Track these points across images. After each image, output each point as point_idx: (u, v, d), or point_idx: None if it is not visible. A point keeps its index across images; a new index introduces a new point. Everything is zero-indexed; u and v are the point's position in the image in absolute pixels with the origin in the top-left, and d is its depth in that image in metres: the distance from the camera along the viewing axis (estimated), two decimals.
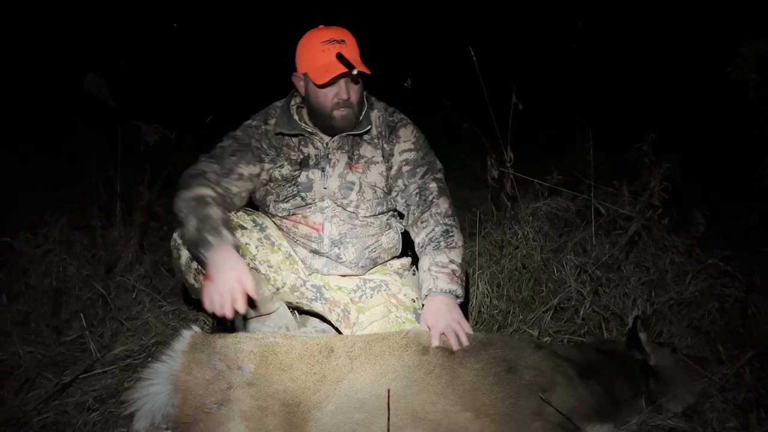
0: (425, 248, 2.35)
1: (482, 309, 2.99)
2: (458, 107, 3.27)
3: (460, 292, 2.24)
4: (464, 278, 2.32)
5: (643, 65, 7.90)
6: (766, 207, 2.89)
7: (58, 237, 3.04)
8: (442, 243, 2.32)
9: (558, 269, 3.00)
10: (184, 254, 2.46)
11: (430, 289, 2.22)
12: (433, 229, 2.36)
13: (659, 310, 2.71)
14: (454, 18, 10.37)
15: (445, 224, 2.37)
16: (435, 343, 1.99)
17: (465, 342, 1.98)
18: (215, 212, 2.22)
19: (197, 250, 2.14)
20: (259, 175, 2.47)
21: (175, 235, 2.51)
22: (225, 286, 1.97)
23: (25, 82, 7.09)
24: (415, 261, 2.57)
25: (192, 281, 2.51)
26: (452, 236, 2.35)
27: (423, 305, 2.23)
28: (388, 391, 1.70)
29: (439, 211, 2.40)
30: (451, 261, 2.28)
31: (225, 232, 2.16)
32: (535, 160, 3.66)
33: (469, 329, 2.06)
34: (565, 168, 3.44)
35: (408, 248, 2.70)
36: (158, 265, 3.43)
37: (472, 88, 3.21)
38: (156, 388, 1.86)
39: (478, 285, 3.06)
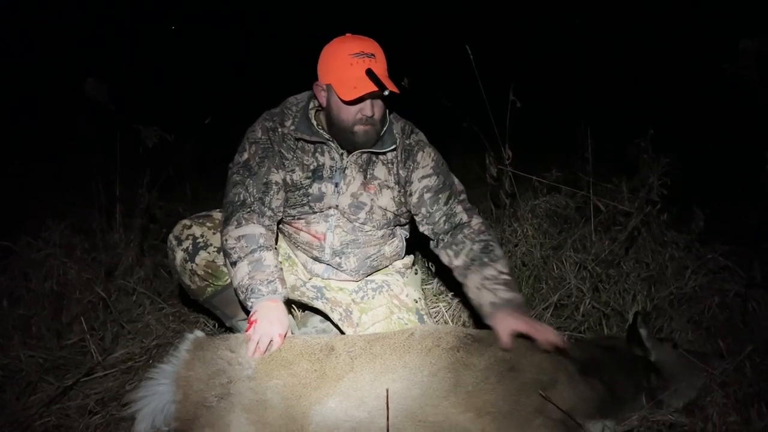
0: (470, 268, 2.25)
1: None
2: (456, 106, 3.26)
3: (521, 299, 2.14)
4: (518, 288, 2.22)
5: (642, 62, 7.90)
6: (765, 202, 2.89)
7: (58, 241, 3.04)
8: (485, 258, 2.24)
9: (558, 266, 3.00)
10: (179, 255, 2.47)
11: (493, 302, 2.11)
12: (471, 248, 2.29)
13: (659, 306, 2.70)
14: (451, 16, 10.36)
15: (482, 240, 2.30)
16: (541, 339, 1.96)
17: (558, 340, 1.97)
18: (268, 258, 2.19)
19: (247, 296, 2.13)
20: (284, 179, 2.41)
21: (171, 237, 2.51)
22: (265, 339, 1.98)
23: (24, 87, 7.10)
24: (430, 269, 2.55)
25: (188, 282, 2.51)
26: (492, 250, 2.27)
27: (491, 323, 2.08)
28: (387, 391, 1.71)
29: (472, 230, 2.34)
30: (501, 272, 2.19)
31: (278, 284, 2.15)
32: (533, 158, 3.66)
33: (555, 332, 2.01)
34: (563, 165, 3.43)
35: (412, 249, 2.71)
36: (158, 268, 3.43)
37: (470, 87, 3.21)
38: (161, 388, 1.90)
39: None
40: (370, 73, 2.15)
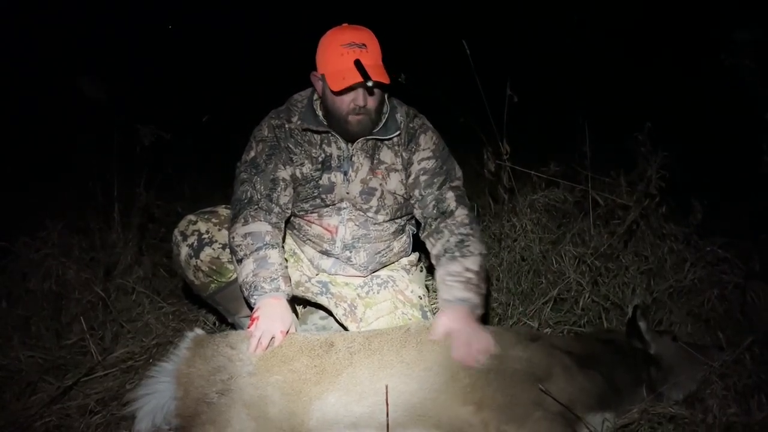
0: (440, 260, 2.23)
1: None
2: (453, 101, 3.26)
3: (475, 300, 2.10)
4: (483, 287, 2.18)
5: (639, 56, 7.89)
6: (763, 193, 2.89)
7: (56, 241, 3.03)
8: (456, 253, 2.20)
9: (557, 260, 3.00)
10: (184, 251, 2.47)
11: (446, 299, 2.11)
12: (448, 240, 2.25)
13: (659, 299, 2.71)
14: (448, 11, 10.35)
15: (461, 234, 2.25)
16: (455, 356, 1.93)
17: (471, 361, 1.91)
18: (273, 256, 2.19)
19: (250, 293, 2.15)
20: (293, 175, 2.42)
21: (176, 232, 2.51)
22: (267, 335, 1.98)
23: (23, 87, 7.09)
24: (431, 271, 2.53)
25: (192, 278, 2.51)
26: (467, 245, 2.22)
27: (438, 316, 2.09)
28: (386, 387, 1.71)
29: (455, 221, 2.30)
30: (467, 269, 2.16)
31: (281, 282, 2.16)
32: (531, 152, 3.66)
33: (488, 346, 1.95)
34: (561, 159, 3.42)
35: (417, 246, 2.70)
36: (157, 267, 3.43)
37: (468, 84, 3.20)
38: (162, 386, 1.90)
39: None
40: (357, 63, 2.15)
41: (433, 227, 2.34)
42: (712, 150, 4.57)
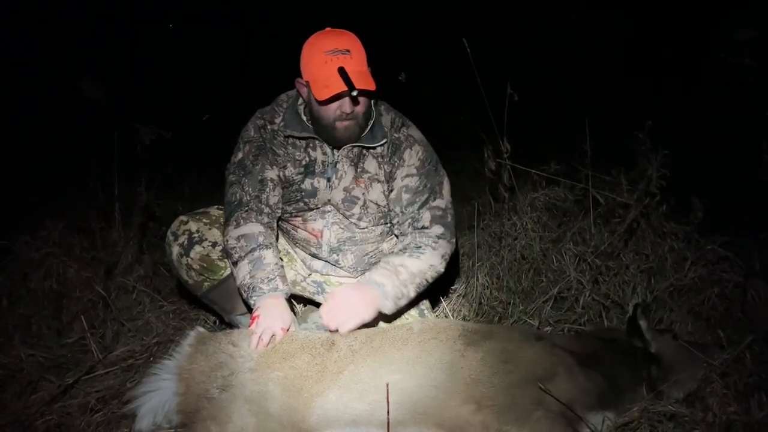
0: (391, 252, 2.30)
1: (482, 300, 2.99)
2: (453, 100, 3.26)
3: (389, 289, 2.17)
4: (409, 288, 2.22)
5: (639, 54, 7.89)
6: (763, 191, 2.89)
7: (57, 240, 3.04)
8: (406, 252, 2.27)
9: (557, 259, 2.99)
10: (175, 250, 2.49)
11: (365, 276, 2.23)
12: (408, 243, 2.31)
13: (659, 297, 2.70)
14: (448, 10, 10.35)
15: (423, 243, 2.29)
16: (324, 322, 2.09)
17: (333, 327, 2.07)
18: (268, 256, 2.21)
19: (249, 294, 2.16)
20: (279, 175, 2.41)
21: (169, 232, 2.52)
22: (268, 332, 2.00)
23: (23, 86, 7.09)
24: None
25: (185, 277, 2.52)
26: (422, 251, 2.26)
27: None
28: (387, 385, 1.71)
29: (423, 234, 2.32)
30: (402, 265, 2.20)
31: (279, 282, 2.17)
32: (532, 151, 3.65)
33: (357, 319, 2.09)
34: (562, 158, 3.42)
35: None
36: (158, 266, 3.43)
37: (468, 82, 3.20)
38: (163, 383, 1.91)
39: (477, 277, 3.06)
40: (341, 71, 2.11)
41: (403, 240, 2.38)
42: (712, 149, 4.57)
